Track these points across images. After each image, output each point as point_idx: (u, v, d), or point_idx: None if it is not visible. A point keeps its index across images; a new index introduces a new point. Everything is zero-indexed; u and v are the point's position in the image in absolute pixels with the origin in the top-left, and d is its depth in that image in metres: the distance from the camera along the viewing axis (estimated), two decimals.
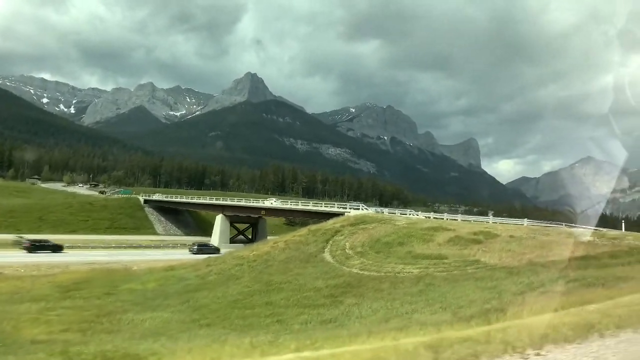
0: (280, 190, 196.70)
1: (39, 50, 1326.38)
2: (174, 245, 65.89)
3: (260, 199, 74.00)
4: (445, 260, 28.60)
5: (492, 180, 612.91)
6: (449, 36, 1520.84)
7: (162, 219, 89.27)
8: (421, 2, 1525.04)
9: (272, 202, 73.13)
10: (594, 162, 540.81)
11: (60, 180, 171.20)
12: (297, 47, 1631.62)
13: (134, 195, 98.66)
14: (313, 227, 42.57)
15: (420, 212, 50.57)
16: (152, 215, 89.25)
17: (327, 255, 34.14)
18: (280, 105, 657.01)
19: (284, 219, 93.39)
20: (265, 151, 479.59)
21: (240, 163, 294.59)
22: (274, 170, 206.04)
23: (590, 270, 20.88)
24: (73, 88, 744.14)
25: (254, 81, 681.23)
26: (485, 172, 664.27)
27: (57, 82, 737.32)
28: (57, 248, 51.60)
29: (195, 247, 57.44)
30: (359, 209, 50.19)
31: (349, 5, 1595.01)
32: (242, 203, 71.88)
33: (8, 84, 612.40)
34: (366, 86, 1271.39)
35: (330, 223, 42.25)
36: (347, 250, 34.31)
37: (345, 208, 52.51)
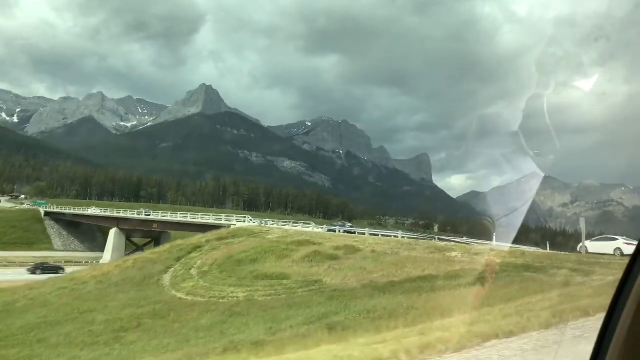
0: (219, 202, 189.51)
1: None
2: (56, 264, 58.86)
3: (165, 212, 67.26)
4: (284, 281, 24.21)
5: (443, 194, 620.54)
6: (405, 53, 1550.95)
7: (64, 232, 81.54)
8: (378, 20, 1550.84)
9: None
10: (538, 177, 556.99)
11: None
12: (256, 59, 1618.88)
13: (34, 207, 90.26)
14: (177, 242, 37.59)
15: (307, 224, 45.89)
16: (52, 228, 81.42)
17: (166, 277, 29.07)
18: (235, 118, 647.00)
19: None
20: (219, 164, 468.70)
21: (192, 175, 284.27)
22: (214, 181, 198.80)
23: (407, 295, 16.78)
24: (16, 96, 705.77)
25: (209, 92, 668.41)
26: (436, 186, 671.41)
27: None
28: None
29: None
30: (244, 220, 45.66)
31: (308, 19, 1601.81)
32: (134, 215, 65.63)
33: None
34: (325, 100, 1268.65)
35: (197, 237, 37.35)
36: (191, 270, 29.38)
37: (231, 220, 47.76)
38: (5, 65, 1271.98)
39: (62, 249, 76.93)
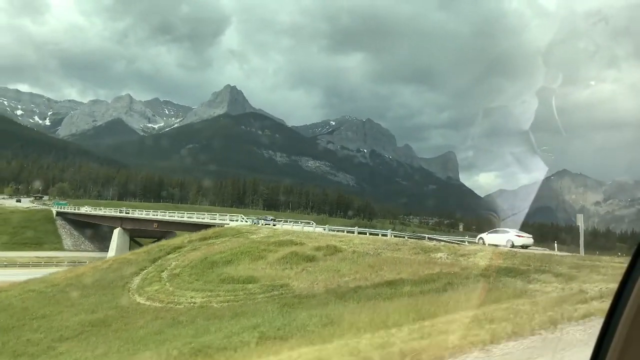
0: (239, 202, 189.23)
1: (16, 61, 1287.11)
2: (59, 264, 58.48)
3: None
4: (250, 286, 22.17)
5: (470, 193, 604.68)
6: (430, 50, 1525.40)
7: (75, 233, 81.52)
8: (403, 16, 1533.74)
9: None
10: (569, 175, 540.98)
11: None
12: (280, 60, 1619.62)
13: (46, 208, 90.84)
14: (161, 242, 36.12)
15: (301, 223, 43.35)
16: (64, 229, 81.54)
17: (137, 279, 27.38)
18: (260, 118, 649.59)
19: None
20: (244, 164, 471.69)
21: (218, 176, 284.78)
22: (233, 182, 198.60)
23: (362, 303, 14.48)
24: (49, 100, 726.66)
25: (234, 93, 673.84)
26: (463, 185, 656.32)
27: (31, 94, 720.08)
28: None
29: None
30: (237, 220, 43.98)
31: (332, 18, 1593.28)
32: (136, 215, 64.72)
33: None
34: (349, 99, 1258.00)
35: (180, 238, 35.84)
36: (163, 273, 27.61)
37: (225, 220, 46.11)
38: (39, 70, 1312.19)
39: (72, 249, 76.91)
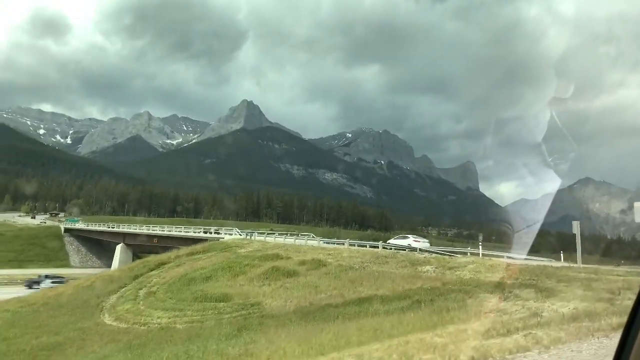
0: (254, 216, 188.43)
1: (39, 81, 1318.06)
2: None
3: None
4: (221, 304, 20.66)
5: (490, 203, 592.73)
6: (448, 59, 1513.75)
7: (82, 249, 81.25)
8: (419, 26, 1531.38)
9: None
10: (593, 183, 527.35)
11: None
12: (297, 73, 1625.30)
13: (55, 224, 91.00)
14: (148, 258, 34.86)
15: (300, 235, 41.90)
16: (72, 245, 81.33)
17: (112, 298, 26.10)
18: (276, 132, 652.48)
19: None
20: (261, 178, 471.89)
21: (235, 190, 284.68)
22: (247, 195, 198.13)
23: (315, 324, 12.83)
24: (70, 119, 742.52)
25: (250, 108, 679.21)
26: (483, 195, 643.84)
27: (53, 113, 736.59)
28: None
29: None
30: (232, 234, 42.78)
31: (348, 31, 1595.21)
32: (137, 230, 63.93)
33: (5, 115, 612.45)
34: (365, 111, 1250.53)
35: (167, 254, 34.61)
36: (141, 290, 26.32)
37: (220, 234, 45.12)
38: (61, 90, 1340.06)
39: (79, 266, 76.47)
